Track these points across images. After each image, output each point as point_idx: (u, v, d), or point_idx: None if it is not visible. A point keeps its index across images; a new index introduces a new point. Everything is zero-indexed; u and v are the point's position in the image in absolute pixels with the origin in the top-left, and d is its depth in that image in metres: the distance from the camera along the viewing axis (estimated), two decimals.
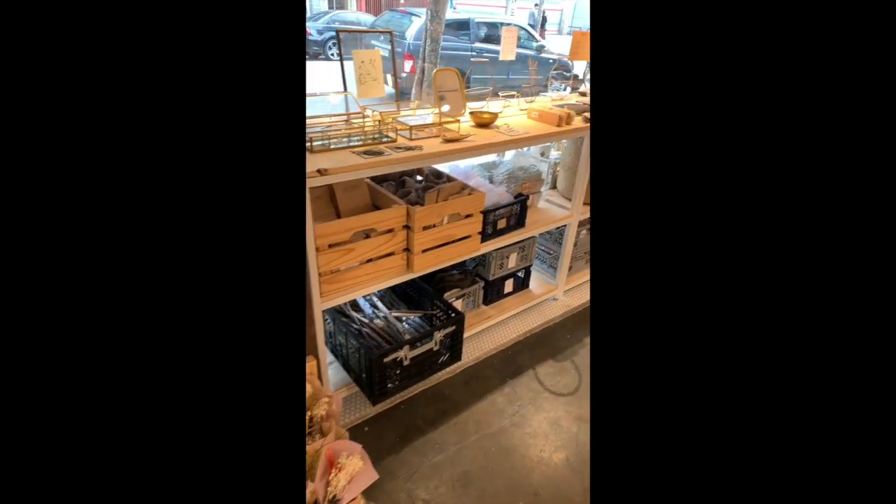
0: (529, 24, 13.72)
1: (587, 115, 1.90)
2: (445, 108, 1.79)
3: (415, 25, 6.22)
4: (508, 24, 6.48)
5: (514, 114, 1.99)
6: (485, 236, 1.75)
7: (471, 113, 1.76)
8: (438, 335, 1.60)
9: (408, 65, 6.12)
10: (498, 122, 1.80)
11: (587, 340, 2.08)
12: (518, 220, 1.89)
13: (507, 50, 2.06)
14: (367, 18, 8.11)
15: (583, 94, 2.40)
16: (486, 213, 1.70)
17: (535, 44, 7.08)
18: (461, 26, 6.62)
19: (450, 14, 7.39)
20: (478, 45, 6.53)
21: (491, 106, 2.02)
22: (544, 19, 14.61)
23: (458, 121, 1.62)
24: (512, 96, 2.15)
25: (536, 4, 15.43)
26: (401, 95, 1.86)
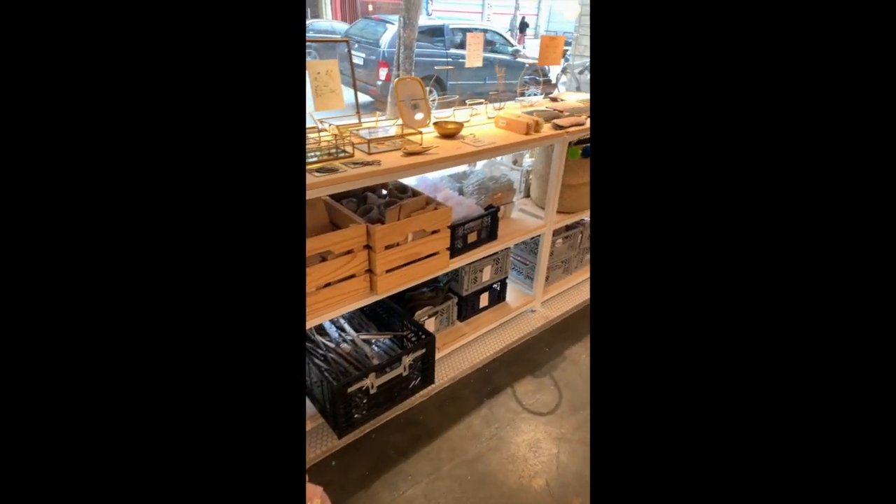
0: (509, 30, 13.81)
1: (557, 121, 1.84)
2: (419, 115, 1.72)
3: (389, 33, 6.15)
4: (450, 32, 6.46)
5: (482, 122, 1.92)
6: (454, 252, 1.67)
7: (435, 123, 1.69)
8: (407, 359, 1.52)
9: (383, 73, 6.04)
10: (464, 132, 1.72)
11: (567, 353, 2.01)
12: (490, 233, 1.81)
13: (473, 56, 2.00)
14: (342, 27, 8.04)
15: (554, 100, 2.35)
16: (454, 227, 1.63)
17: (510, 49, 7.08)
18: (435, 33, 6.58)
19: (424, 21, 7.36)
20: (453, 51, 6.48)
21: (458, 115, 1.95)
22: (524, 24, 14.72)
23: (421, 132, 1.55)
24: (480, 103, 2.09)
25: (517, 9, 15.56)
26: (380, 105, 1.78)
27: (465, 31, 6.83)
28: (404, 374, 1.53)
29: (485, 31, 7.12)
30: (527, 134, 1.73)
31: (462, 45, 6.68)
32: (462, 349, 1.95)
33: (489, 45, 7.05)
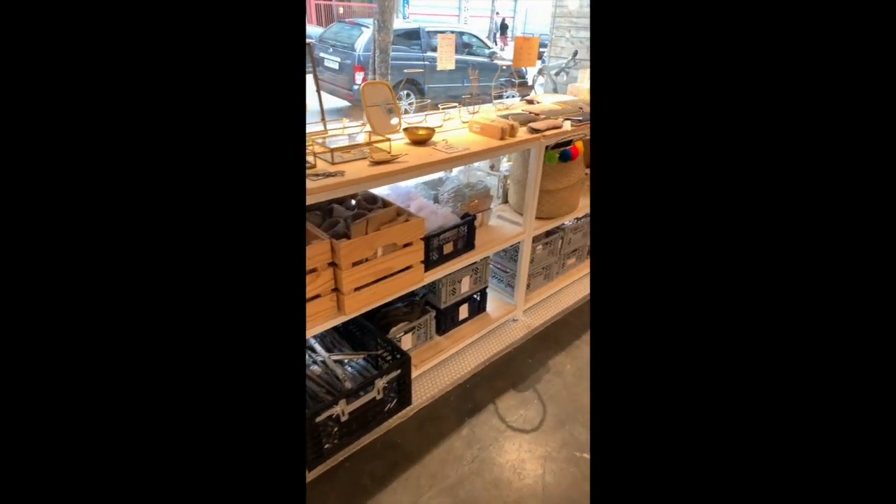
0: (490, 34, 13.80)
1: (533, 125, 1.77)
2: (394, 120, 1.63)
3: (364, 36, 6.05)
4: (426, 35, 6.39)
5: (455, 127, 1.84)
6: (429, 264, 1.59)
7: (405, 129, 1.60)
8: (381, 382, 1.42)
9: (359, 77, 5.94)
10: (437, 138, 1.64)
11: (550, 364, 1.95)
12: (467, 243, 1.73)
13: (444, 59, 1.92)
14: (316, 31, 7.90)
15: (530, 102, 2.29)
16: (428, 239, 1.54)
17: (487, 51, 7.04)
18: (412, 36, 6.50)
19: (400, 24, 7.27)
20: (430, 53, 6.42)
21: (430, 120, 1.87)
22: (504, 26, 14.76)
23: (389, 139, 1.46)
24: (453, 107, 2.01)
25: (497, 13, 15.61)
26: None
27: (441, 33, 6.77)
28: (378, 397, 1.43)
29: (461, 33, 7.08)
30: (502, 139, 1.66)
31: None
32: (442, 364, 1.86)
33: (466, 47, 7.01)
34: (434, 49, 6.61)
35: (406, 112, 1.98)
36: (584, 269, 2.45)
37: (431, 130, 1.61)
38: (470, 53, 6.98)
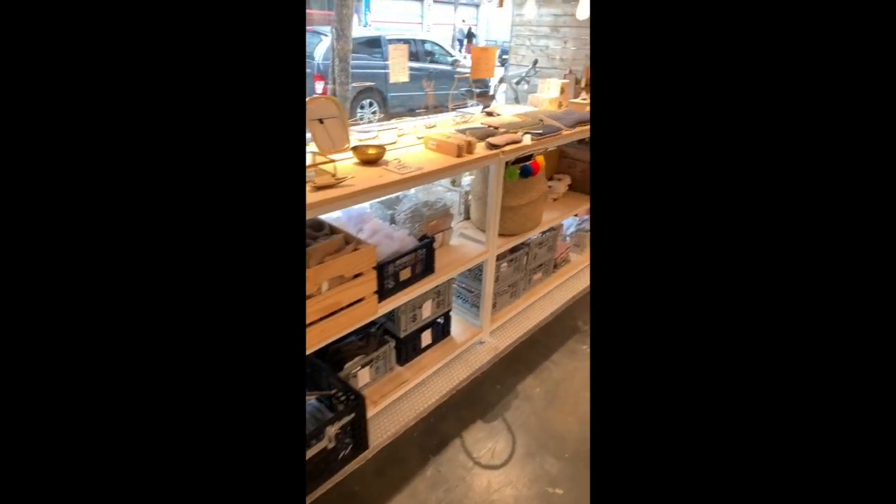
0: (458, 40, 13.81)
1: (491, 140, 1.69)
2: (338, 139, 1.49)
3: (324, 45, 5.88)
4: (387, 43, 6.30)
5: (410, 143, 1.73)
6: (384, 294, 1.47)
7: (354, 149, 1.48)
8: (332, 429, 1.29)
9: (319, 86, 5.76)
10: (389, 156, 1.53)
11: (519, 389, 1.85)
12: (426, 267, 1.63)
13: (397, 70, 1.81)
14: None
15: (489, 114, 2.21)
16: (382, 267, 1.42)
17: (450, 59, 7.00)
18: (373, 44, 6.38)
19: (360, 31, 7.15)
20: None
21: (383, 136, 1.75)
22: (472, 34, 14.82)
23: (334, 161, 1.34)
24: (408, 120, 1.90)
25: (463, 20, 15.68)
26: None
27: (402, 41, 6.69)
28: (330, 446, 1.30)
29: (424, 41, 7.02)
30: (458, 156, 1.56)
31: None
32: (404, 398, 1.74)
33: (429, 55, 6.95)
34: None
35: (369, 121, 1.87)
36: (552, 283, 2.39)
37: (382, 149, 1.49)
38: (433, 61, 6.92)
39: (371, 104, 6.17)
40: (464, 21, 15.67)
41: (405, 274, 1.54)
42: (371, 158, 1.46)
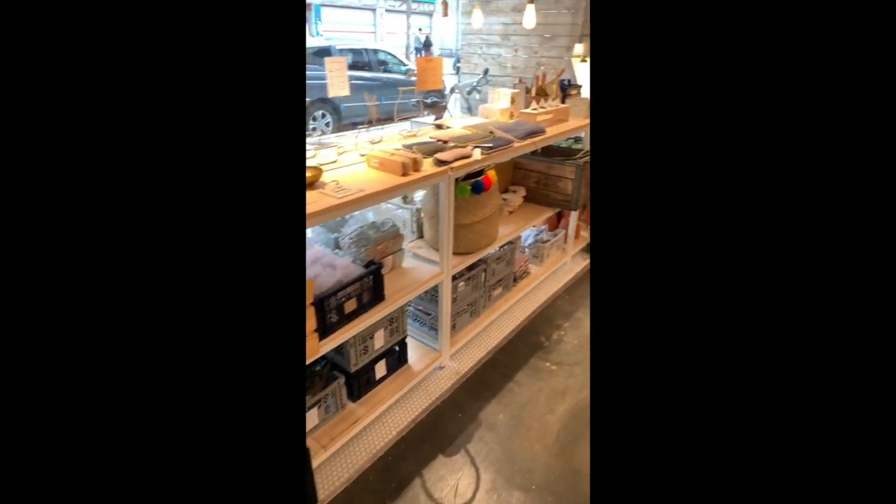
0: (416, 48, 13.75)
1: (439, 156, 1.59)
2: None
3: None
4: (338, 53, 6.17)
5: (352, 161, 1.61)
6: (326, 330, 1.33)
7: None
8: None
9: None
10: (326, 177, 1.40)
11: (482, 416, 1.76)
12: (374, 295, 1.50)
13: (336, 85, 1.69)
14: None
15: (439, 127, 2.12)
16: (321, 301, 1.29)
17: (403, 68, 6.92)
18: (323, 53, 6.20)
19: (312, 41, 6.94)
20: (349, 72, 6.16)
21: (321, 155, 1.62)
22: (429, 43, 14.80)
23: None
24: (349, 137, 1.78)
25: (420, 29, 15.66)
26: None
27: (354, 51, 6.54)
28: None
29: (377, 50, 6.90)
30: (404, 174, 1.46)
31: (353, 67, 6.35)
32: (358, 437, 1.60)
33: (382, 64, 6.83)
34: (349, 67, 6.36)
35: (322, 133, 1.73)
36: (512, 298, 2.32)
37: (319, 170, 1.37)
38: (386, 71, 6.81)
39: (324, 115, 5.98)
40: (420, 30, 15.67)
41: (351, 305, 1.41)
42: (307, 181, 1.33)
